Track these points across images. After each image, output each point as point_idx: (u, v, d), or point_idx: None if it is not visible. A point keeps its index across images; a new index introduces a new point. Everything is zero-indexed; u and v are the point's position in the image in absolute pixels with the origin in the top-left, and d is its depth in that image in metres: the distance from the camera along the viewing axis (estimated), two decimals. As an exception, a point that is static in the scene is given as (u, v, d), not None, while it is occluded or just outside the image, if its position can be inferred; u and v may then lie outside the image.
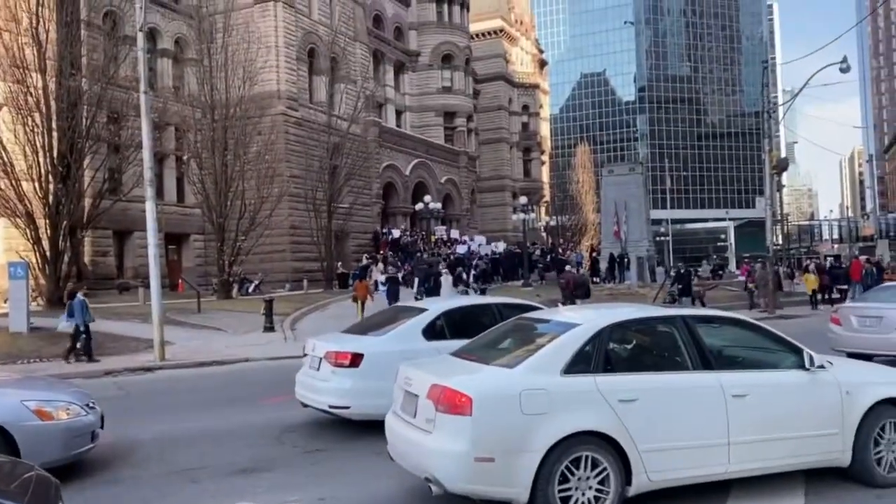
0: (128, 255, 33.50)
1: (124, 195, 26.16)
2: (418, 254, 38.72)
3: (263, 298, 21.31)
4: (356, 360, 7.91)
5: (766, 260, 27.01)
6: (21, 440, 6.21)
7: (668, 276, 28.08)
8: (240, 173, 28.44)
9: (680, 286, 25.05)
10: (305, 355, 8.80)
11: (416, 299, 26.37)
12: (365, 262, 35.08)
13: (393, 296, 27.00)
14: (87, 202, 23.90)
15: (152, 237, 14.59)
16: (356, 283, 28.44)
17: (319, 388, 8.16)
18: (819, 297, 27.48)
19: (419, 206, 42.39)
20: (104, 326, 17.52)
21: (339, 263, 37.26)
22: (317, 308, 26.08)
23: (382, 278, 27.97)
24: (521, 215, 36.88)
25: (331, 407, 7.99)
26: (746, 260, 69.33)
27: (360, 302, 23.02)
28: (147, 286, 15.70)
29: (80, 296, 14.99)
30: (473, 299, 14.76)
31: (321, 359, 8.23)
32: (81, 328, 14.67)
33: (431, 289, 26.64)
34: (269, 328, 19.74)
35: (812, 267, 31.23)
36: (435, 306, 9.04)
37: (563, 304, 21.97)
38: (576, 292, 22.84)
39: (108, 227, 30.14)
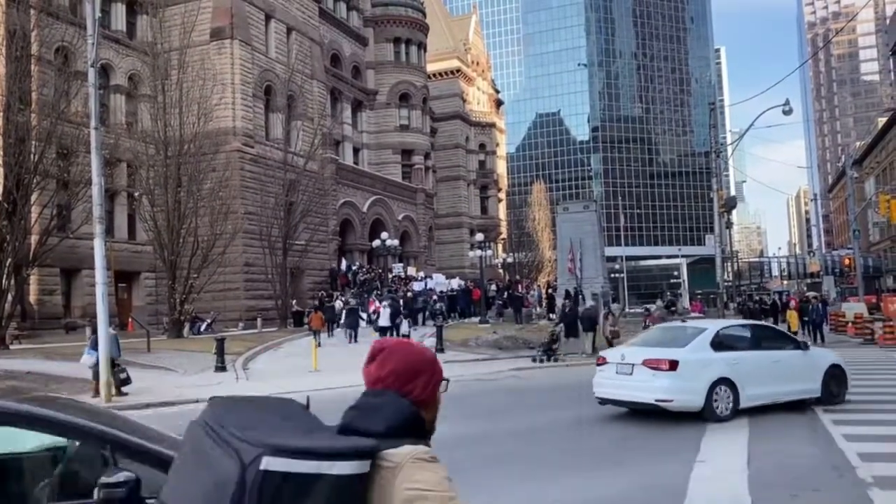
0: (76, 294, 32.60)
1: (72, 232, 25.64)
2: (385, 289, 38.58)
3: (214, 338, 20.93)
4: (674, 365, 10.70)
5: (668, 301, 27.87)
6: None
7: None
8: (193, 210, 28.12)
9: (566, 323, 23.93)
10: (603, 364, 11.75)
11: (376, 329, 26.91)
12: (334, 298, 35.07)
13: (351, 326, 27.94)
14: (34, 239, 23.31)
15: (101, 275, 14.26)
16: (311, 314, 29.00)
17: (640, 388, 10.88)
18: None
19: (376, 242, 42.36)
20: (48, 367, 16.97)
21: (295, 301, 36.84)
22: (270, 347, 25.69)
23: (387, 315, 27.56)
24: (478, 252, 37.11)
25: (657, 401, 10.67)
26: (699, 295, 70.64)
27: (315, 332, 24.87)
28: (95, 326, 15.29)
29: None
30: (739, 321, 18.15)
31: (634, 365, 11.03)
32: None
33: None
34: (221, 368, 19.35)
35: (792, 304, 32.27)
36: (713, 325, 12.61)
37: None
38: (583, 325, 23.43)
39: (56, 265, 29.34)
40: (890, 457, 8.08)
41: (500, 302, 40.05)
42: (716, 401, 10.59)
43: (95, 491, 2.77)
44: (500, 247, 74.32)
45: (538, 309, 41.71)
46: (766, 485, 7.05)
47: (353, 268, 44.27)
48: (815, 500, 6.49)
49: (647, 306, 30.72)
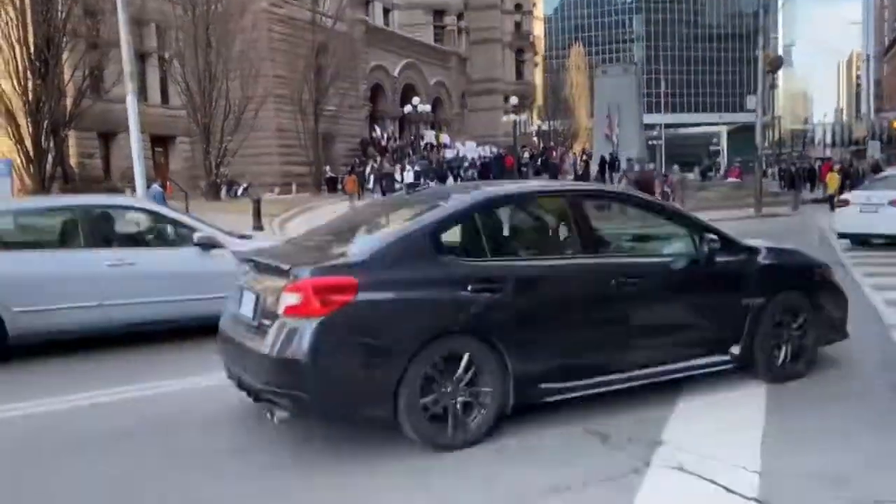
0: (114, 158, 33.05)
1: (106, 93, 25.63)
2: (417, 157, 38.51)
3: (252, 199, 21.34)
4: None
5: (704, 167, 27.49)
6: None
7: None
8: (223, 72, 27.87)
9: None
10: (845, 205, 14.35)
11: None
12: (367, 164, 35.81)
13: (387, 189, 29.48)
14: (69, 102, 23.45)
15: (135, 131, 14.37)
16: (346, 178, 30.75)
17: (885, 223, 13.09)
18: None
19: (408, 108, 41.78)
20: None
21: (328, 167, 37.04)
22: (305, 210, 26.09)
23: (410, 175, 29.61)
24: (512, 117, 36.44)
25: None
26: (738, 162, 69.10)
27: (350, 195, 27.24)
28: (134, 189, 15.62)
29: (156, 186, 14.91)
30: None
31: (880, 205, 13.17)
32: None
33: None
34: (258, 227, 19.81)
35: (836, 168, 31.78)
36: None
37: None
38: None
39: (93, 129, 29.64)
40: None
41: (534, 169, 39.76)
42: None
43: None
44: (534, 114, 72.75)
45: (571, 176, 41.37)
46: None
47: (386, 135, 43.98)
48: (840, 344, 6.57)
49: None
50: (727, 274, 5.10)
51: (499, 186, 5.58)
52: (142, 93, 27.99)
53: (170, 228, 7.61)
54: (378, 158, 36.40)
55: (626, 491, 3.61)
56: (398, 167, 33.42)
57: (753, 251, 5.29)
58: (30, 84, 21.46)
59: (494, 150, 44.22)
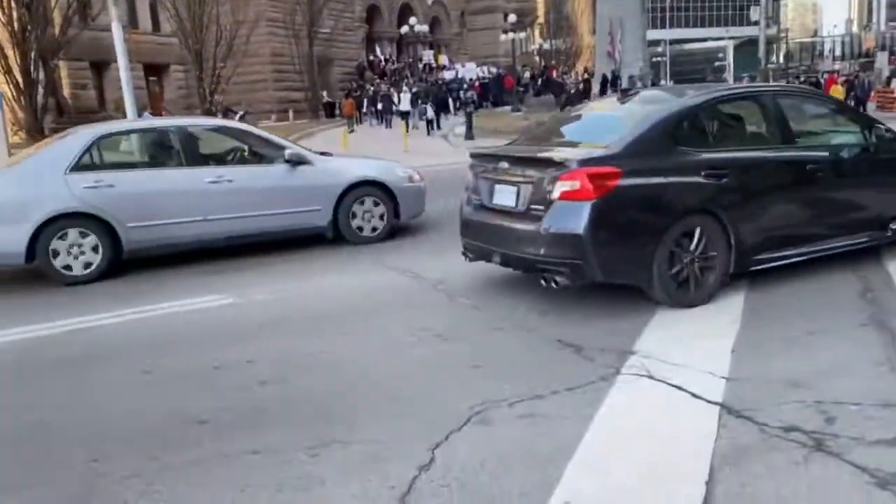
0: (108, 88, 32.62)
1: (92, 20, 25.07)
2: (415, 79, 37.79)
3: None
4: None
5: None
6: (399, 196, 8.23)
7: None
8: (213, -5, 27.17)
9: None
10: None
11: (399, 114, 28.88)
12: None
13: (386, 112, 29.38)
14: (57, 30, 22.97)
15: (122, 60, 14.17)
16: (344, 101, 30.80)
17: None
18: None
19: (405, 29, 40.77)
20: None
21: (325, 92, 36.48)
22: (304, 136, 25.87)
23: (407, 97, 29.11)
24: (511, 35, 35.54)
25: None
26: (744, 77, 67.68)
27: (348, 118, 28.03)
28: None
29: (147, 114, 14.80)
30: None
31: None
32: None
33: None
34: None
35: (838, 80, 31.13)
36: None
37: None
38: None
39: (84, 59, 29.15)
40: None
41: (534, 90, 39.05)
42: None
43: None
44: (536, 32, 70.87)
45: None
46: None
47: (383, 57, 43.06)
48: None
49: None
50: (891, 160, 5.98)
51: (714, 89, 6.27)
52: (131, 20, 27.42)
53: (261, 147, 8.07)
54: (376, 82, 35.77)
55: (593, 398, 3.72)
56: (394, 90, 32.89)
57: None
58: (14, 13, 20.96)
59: (494, 70, 43.32)
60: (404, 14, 46.97)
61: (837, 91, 27.01)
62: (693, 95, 5.63)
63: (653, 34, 56.15)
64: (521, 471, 3.04)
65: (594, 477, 2.99)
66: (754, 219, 5.23)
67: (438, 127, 28.17)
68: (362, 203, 8.06)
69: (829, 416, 3.38)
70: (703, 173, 5.03)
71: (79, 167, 7.03)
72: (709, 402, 3.60)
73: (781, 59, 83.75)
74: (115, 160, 7.55)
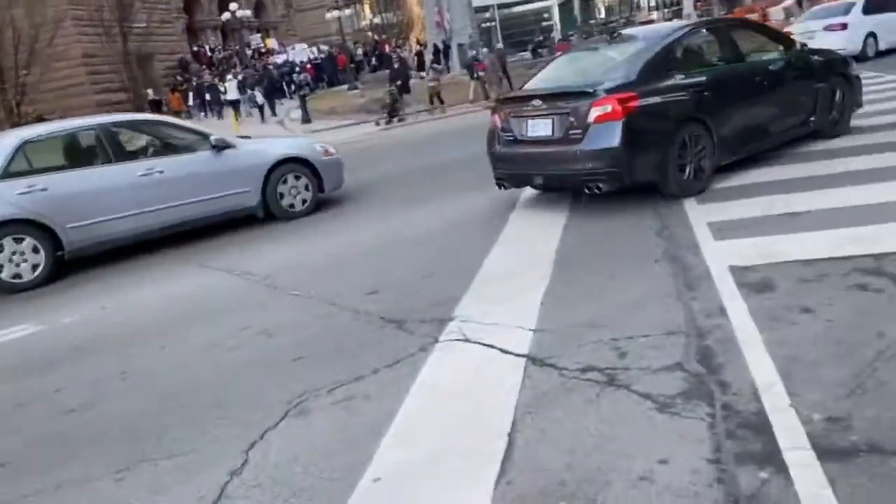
0: None
1: None
2: (244, 66, 36.39)
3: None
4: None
5: (536, 44, 27.79)
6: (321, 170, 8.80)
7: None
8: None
9: (398, 83, 23.06)
10: None
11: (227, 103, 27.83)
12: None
13: (215, 102, 28.32)
14: None
15: None
16: (169, 96, 29.30)
17: None
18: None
19: (226, 15, 39.15)
20: None
21: (150, 90, 34.51)
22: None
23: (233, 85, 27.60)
24: (335, 13, 35.01)
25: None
26: (571, 35, 70.50)
27: (177, 113, 26.23)
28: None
29: None
30: None
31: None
32: None
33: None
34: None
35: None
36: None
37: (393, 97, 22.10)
38: (400, 86, 22.92)
39: None
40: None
41: (370, 66, 38.77)
42: None
43: None
44: (366, 7, 70.24)
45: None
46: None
47: (208, 47, 41.20)
48: (626, 196, 7.04)
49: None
50: (805, 69, 7.71)
51: (678, 27, 7.49)
52: None
53: (184, 136, 8.34)
54: (202, 73, 34.22)
55: (411, 370, 3.80)
56: (219, 80, 31.62)
57: (817, 52, 8.37)
58: None
59: (325, 49, 42.58)
60: (226, 0, 45.09)
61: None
62: (667, 34, 7.03)
63: (480, 0, 57.21)
64: (334, 456, 3.06)
65: (405, 448, 3.07)
66: (727, 121, 6.72)
67: (274, 113, 27.45)
68: (286, 181, 8.48)
69: (622, 351, 3.63)
70: (690, 90, 6.49)
71: (7, 174, 7.02)
72: (516, 355, 3.77)
73: (603, 14, 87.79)
74: (43, 164, 7.50)
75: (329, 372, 3.92)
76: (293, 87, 32.87)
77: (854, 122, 8.26)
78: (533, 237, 6.10)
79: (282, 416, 3.49)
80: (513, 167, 6.97)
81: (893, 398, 2.81)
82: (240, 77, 27.50)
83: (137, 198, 7.50)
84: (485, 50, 27.06)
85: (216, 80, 31.37)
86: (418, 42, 48.35)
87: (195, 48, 40.89)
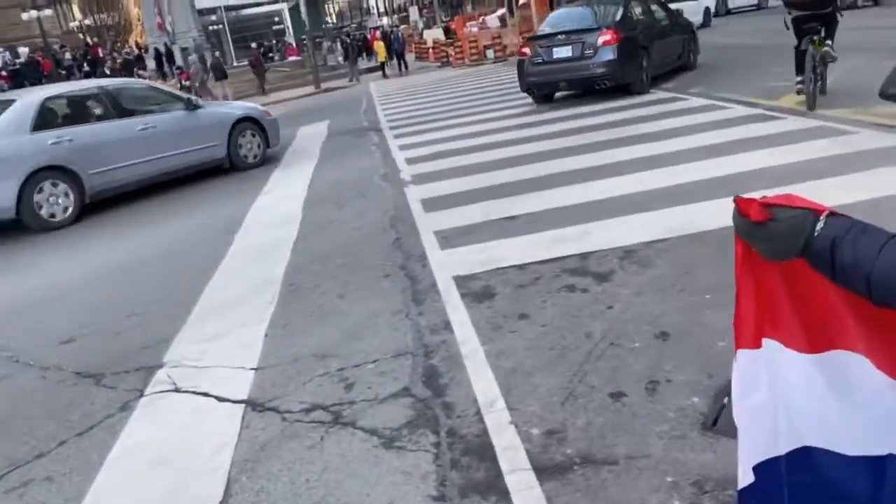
0: None
1: None
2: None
3: None
4: None
5: (205, 54, 27.53)
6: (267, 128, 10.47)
7: None
8: None
9: None
10: None
11: None
12: None
13: None
14: None
15: None
16: None
17: None
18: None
19: None
20: None
21: None
22: None
23: None
24: (34, 13, 31.04)
25: None
26: (304, 40, 69.89)
27: None
28: None
29: None
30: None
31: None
32: None
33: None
34: None
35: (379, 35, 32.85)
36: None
37: None
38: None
39: None
40: (426, 157, 8.98)
41: (83, 72, 34.95)
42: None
43: None
44: (74, 7, 63.51)
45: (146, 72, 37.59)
46: (319, 200, 7.39)
47: None
48: (360, 205, 6.94)
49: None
50: (679, 26, 12.90)
51: None
52: None
53: (164, 97, 9.71)
54: None
55: (106, 437, 3.24)
56: None
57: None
58: None
59: (24, 52, 37.66)
60: None
61: (380, 47, 29.15)
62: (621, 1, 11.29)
63: (205, 2, 54.44)
64: (-3, 569, 2.46)
65: (92, 543, 2.55)
66: (654, 52, 11.12)
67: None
68: (244, 136, 10.07)
69: (349, 382, 3.42)
70: (639, 31, 10.91)
71: (37, 127, 7.97)
72: (234, 401, 3.39)
73: (335, 18, 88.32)
74: (61, 119, 8.47)
75: (1, 451, 3.21)
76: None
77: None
78: (260, 258, 5.70)
79: (-69, 526, 2.77)
80: (543, 78, 11.03)
81: (601, 403, 2.90)
82: None
83: (140, 149, 8.74)
84: (191, 57, 25.79)
85: None
86: (138, 45, 44.83)
87: None
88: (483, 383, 3.18)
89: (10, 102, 8.23)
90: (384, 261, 5.14)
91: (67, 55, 37.13)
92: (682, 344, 3.27)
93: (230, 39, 63.89)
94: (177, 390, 3.60)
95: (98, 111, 8.77)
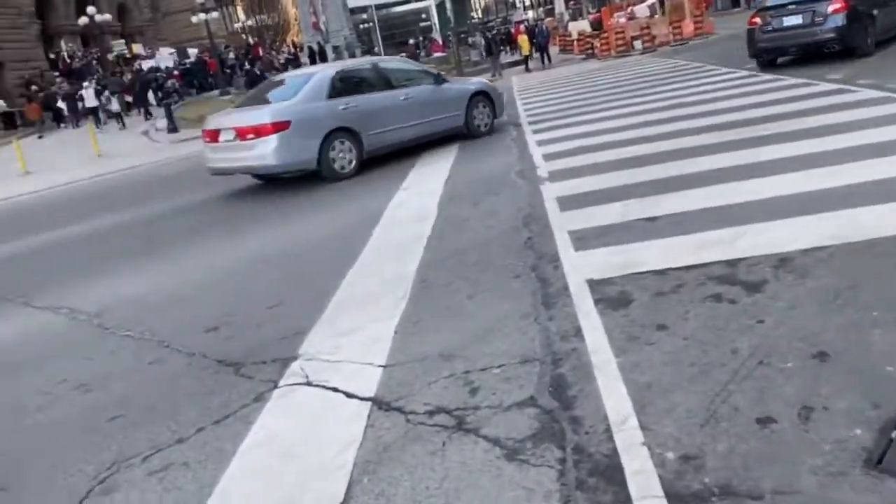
0: None
1: None
2: (107, 73, 34.15)
3: None
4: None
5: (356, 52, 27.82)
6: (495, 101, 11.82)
7: None
8: None
9: None
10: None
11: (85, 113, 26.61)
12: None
13: (71, 111, 26.93)
14: None
15: None
16: (26, 106, 28.71)
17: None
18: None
19: (83, 20, 36.63)
20: None
21: (2, 102, 31.87)
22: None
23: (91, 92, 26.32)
24: (202, 16, 33.44)
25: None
26: (449, 35, 70.72)
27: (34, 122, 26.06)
28: None
29: None
30: None
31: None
32: None
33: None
34: None
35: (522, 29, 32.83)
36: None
37: None
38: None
39: None
40: (564, 153, 8.75)
41: (246, 73, 37.25)
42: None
43: None
44: (239, 10, 67.96)
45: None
46: (454, 197, 7.38)
47: (66, 53, 38.49)
48: (494, 202, 6.87)
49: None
50: None
51: None
52: None
53: (418, 73, 11.46)
54: (57, 81, 31.89)
55: (241, 427, 3.34)
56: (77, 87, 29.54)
57: None
58: None
59: (194, 53, 40.67)
60: (84, 4, 42.21)
61: (523, 40, 28.99)
62: None
63: (357, 0, 56.45)
64: (135, 549, 2.59)
65: (220, 532, 2.63)
66: (878, 18, 12.15)
67: (146, 118, 26.44)
68: (478, 107, 11.46)
69: (474, 386, 3.34)
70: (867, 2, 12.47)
71: (331, 95, 9.72)
72: (361, 398, 3.41)
73: (480, 14, 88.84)
74: (347, 89, 10.02)
75: (148, 434, 3.41)
76: (160, 95, 31.14)
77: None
78: (395, 253, 5.76)
79: (83, 497, 2.97)
80: (773, 44, 12.41)
81: (746, 428, 2.63)
82: (95, 86, 25.91)
83: (402, 116, 10.22)
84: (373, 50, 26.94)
85: (73, 87, 29.24)
86: (294, 45, 47.20)
87: (51, 55, 38.09)
88: (615, 398, 3.00)
89: (310, 76, 10.10)
90: (515, 261, 5.03)
91: (231, 55, 39.67)
92: (842, 366, 2.93)
93: (380, 37, 65.96)
94: (309, 384, 3.67)
95: (372, 83, 10.36)
